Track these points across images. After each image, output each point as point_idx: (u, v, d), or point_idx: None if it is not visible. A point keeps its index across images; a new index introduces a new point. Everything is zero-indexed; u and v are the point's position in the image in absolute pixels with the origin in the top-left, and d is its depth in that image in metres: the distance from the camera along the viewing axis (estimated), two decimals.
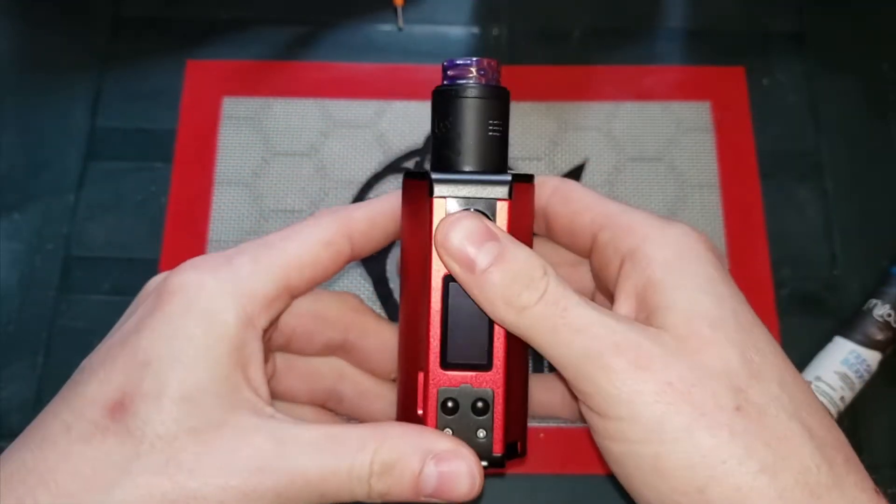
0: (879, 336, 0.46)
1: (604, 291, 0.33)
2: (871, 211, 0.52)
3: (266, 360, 0.33)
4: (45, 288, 0.49)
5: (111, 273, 0.49)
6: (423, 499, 0.28)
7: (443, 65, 0.31)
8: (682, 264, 0.28)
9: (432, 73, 0.55)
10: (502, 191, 0.29)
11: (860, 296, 0.49)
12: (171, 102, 0.54)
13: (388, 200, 0.32)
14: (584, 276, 0.35)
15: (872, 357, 0.46)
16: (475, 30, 0.56)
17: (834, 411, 0.45)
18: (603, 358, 0.25)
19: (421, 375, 0.29)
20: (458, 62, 0.30)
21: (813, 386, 0.45)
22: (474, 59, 0.30)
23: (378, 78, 0.55)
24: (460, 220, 0.27)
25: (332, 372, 0.35)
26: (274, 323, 0.30)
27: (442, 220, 0.28)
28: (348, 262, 0.32)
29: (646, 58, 0.56)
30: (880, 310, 0.47)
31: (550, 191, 0.33)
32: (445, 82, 0.31)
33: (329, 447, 0.27)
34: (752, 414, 0.25)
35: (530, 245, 0.31)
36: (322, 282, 0.31)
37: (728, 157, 0.53)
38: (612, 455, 0.27)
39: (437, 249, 0.28)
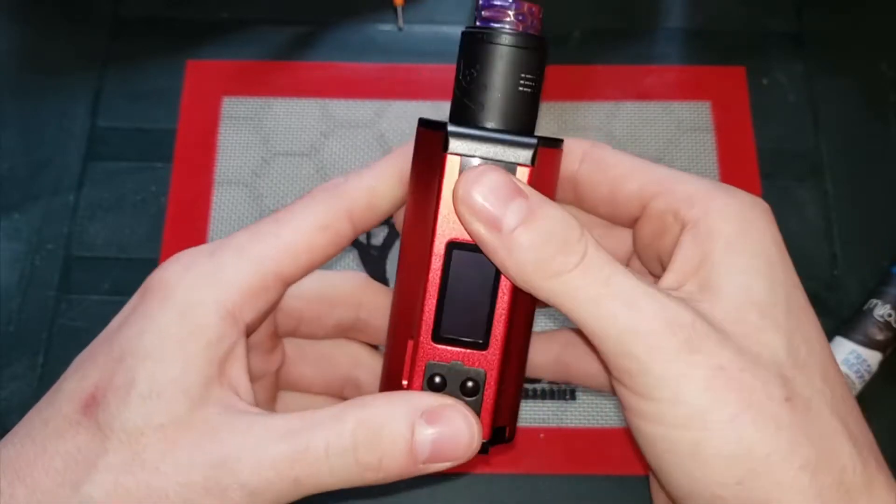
0: (880, 336, 0.46)
1: (648, 261, 0.31)
2: (871, 211, 0.52)
3: (273, 348, 0.32)
4: (45, 288, 0.49)
5: (111, 273, 0.49)
6: (420, 468, 0.25)
7: (477, 2, 0.28)
8: (743, 242, 0.26)
9: (432, 73, 0.55)
10: (525, 155, 0.25)
11: (860, 296, 0.49)
12: (171, 102, 0.54)
13: (390, 164, 0.30)
14: (620, 241, 0.32)
15: (873, 357, 0.46)
16: None
17: None
18: (653, 336, 0.23)
19: (410, 344, 0.27)
20: (495, 1, 0.27)
21: None
22: (514, 1, 0.27)
23: (378, 78, 0.55)
24: (485, 174, 0.25)
25: (346, 358, 0.34)
26: (267, 314, 0.29)
27: (463, 174, 0.25)
28: (351, 240, 0.30)
29: (646, 58, 0.56)
30: (881, 310, 0.47)
31: (580, 157, 0.30)
32: (478, 23, 0.27)
33: (299, 428, 0.25)
34: (798, 407, 0.24)
35: None
36: (321, 265, 0.30)
37: (728, 157, 0.53)
38: (645, 436, 0.25)
39: (456, 207, 0.25)
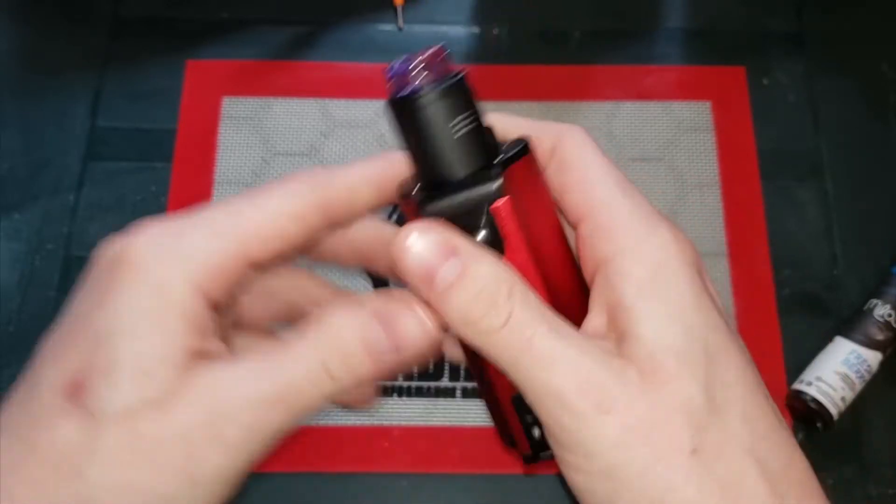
0: (880, 336, 0.46)
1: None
2: (871, 211, 0.52)
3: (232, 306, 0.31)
4: (45, 288, 0.49)
5: None
6: (389, 364, 0.27)
7: (385, 74, 0.28)
8: (655, 286, 0.26)
9: None
10: (495, 190, 0.26)
11: (860, 296, 0.49)
12: (171, 102, 0.54)
13: (375, 167, 0.30)
14: None
15: (873, 357, 0.46)
16: (475, 30, 0.56)
17: (834, 411, 0.45)
18: (566, 397, 0.25)
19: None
20: (396, 69, 0.27)
21: (813, 386, 0.45)
22: (412, 57, 0.27)
23: (378, 78, 0.54)
24: (418, 236, 0.26)
25: (293, 291, 0.34)
26: (235, 294, 0.29)
27: (398, 234, 0.26)
28: (324, 233, 0.30)
29: (646, 58, 0.56)
30: (881, 310, 0.47)
31: (549, 151, 0.30)
32: (394, 93, 0.28)
33: (279, 364, 0.26)
34: (707, 455, 0.25)
35: (554, 216, 0.29)
36: (293, 257, 0.29)
37: (728, 157, 0.53)
38: (571, 482, 0.27)
39: (394, 267, 0.26)
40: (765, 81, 0.55)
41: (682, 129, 0.53)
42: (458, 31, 0.56)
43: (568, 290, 0.28)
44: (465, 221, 0.27)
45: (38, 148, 0.53)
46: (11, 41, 0.56)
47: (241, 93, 0.54)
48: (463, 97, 0.27)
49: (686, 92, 0.54)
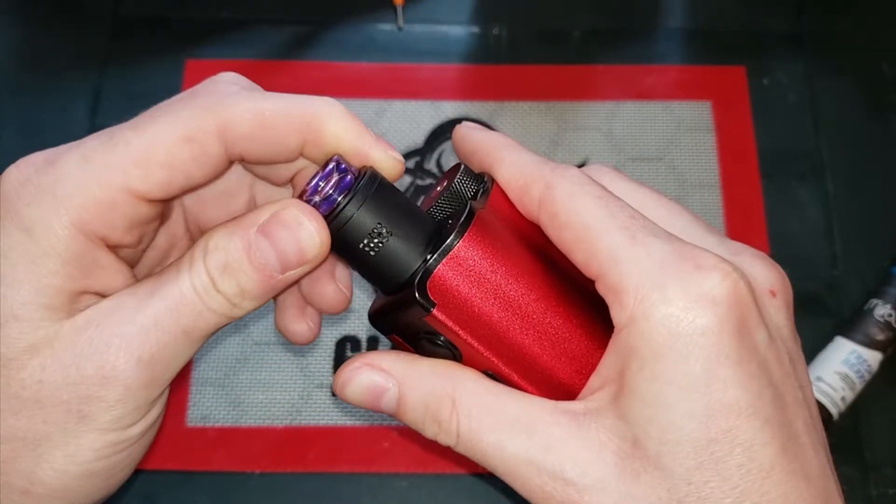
0: (880, 336, 0.46)
1: None
2: (871, 211, 0.52)
3: (166, 219, 0.29)
4: None
5: None
6: (282, 279, 0.26)
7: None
8: (654, 368, 0.24)
9: (432, 73, 0.55)
10: (422, 305, 0.25)
11: (861, 296, 0.49)
12: None
13: (303, 103, 0.27)
14: None
15: (873, 357, 0.46)
16: (475, 29, 0.56)
17: (835, 411, 0.45)
18: (533, 497, 0.25)
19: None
20: (310, 199, 0.26)
21: (814, 386, 0.45)
22: (315, 180, 0.26)
23: (378, 78, 0.54)
24: (346, 385, 0.27)
25: (243, 186, 0.31)
26: (140, 227, 0.26)
27: (335, 379, 0.27)
28: (227, 166, 0.27)
29: (646, 58, 0.56)
30: (881, 310, 0.47)
31: (536, 202, 0.27)
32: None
33: (166, 282, 0.25)
34: None
35: (529, 265, 0.26)
36: (193, 187, 0.26)
37: (728, 157, 0.53)
38: None
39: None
40: (765, 81, 0.55)
41: (682, 129, 0.54)
42: (458, 31, 0.56)
43: (559, 341, 0.26)
44: (408, 333, 0.26)
45: (37, 148, 0.52)
46: (11, 41, 0.56)
47: None
48: (368, 211, 0.25)
49: (686, 92, 0.54)
